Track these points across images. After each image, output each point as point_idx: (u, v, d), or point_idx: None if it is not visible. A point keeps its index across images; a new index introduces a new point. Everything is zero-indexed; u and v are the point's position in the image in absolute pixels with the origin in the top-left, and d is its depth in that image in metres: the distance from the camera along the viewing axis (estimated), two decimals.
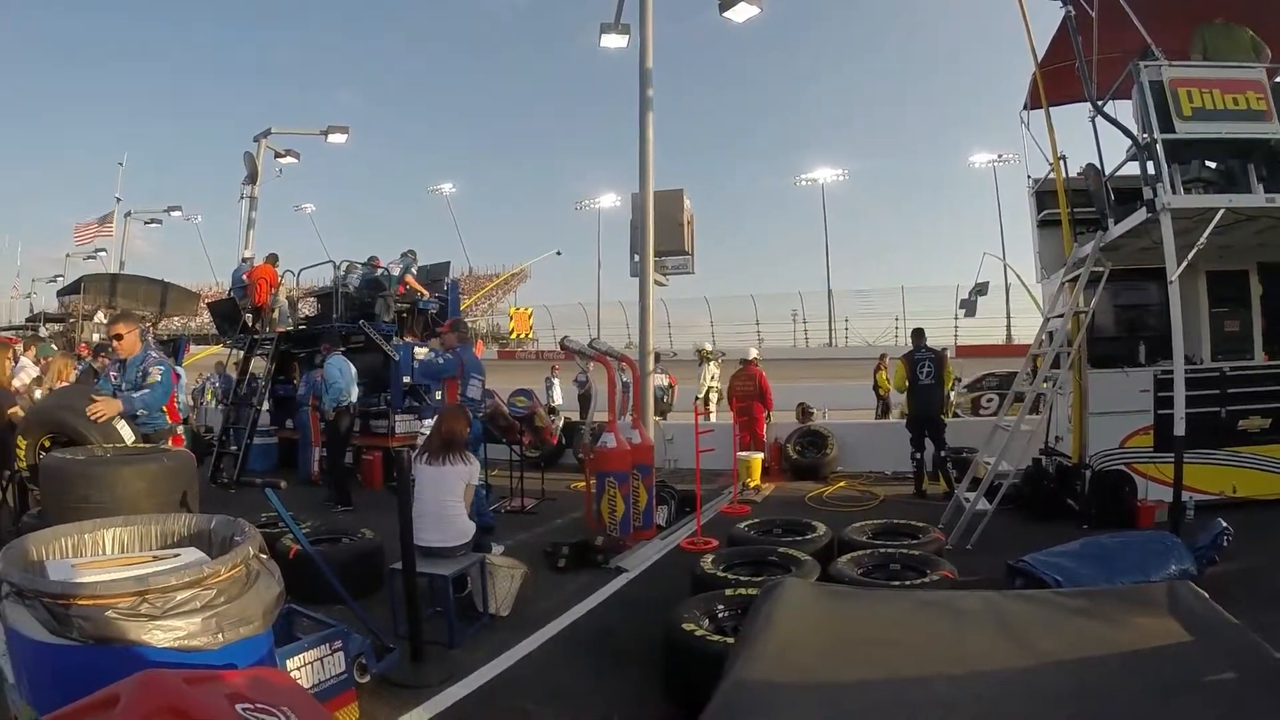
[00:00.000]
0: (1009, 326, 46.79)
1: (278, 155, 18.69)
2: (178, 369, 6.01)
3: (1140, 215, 6.73)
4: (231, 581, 2.32)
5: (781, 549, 5.61)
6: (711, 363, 17.99)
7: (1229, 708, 2.14)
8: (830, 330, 55.43)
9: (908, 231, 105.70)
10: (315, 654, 3.49)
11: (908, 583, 4.90)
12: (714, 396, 17.33)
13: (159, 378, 5.53)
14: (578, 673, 4.50)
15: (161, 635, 2.15)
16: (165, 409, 5.73)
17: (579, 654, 4.80)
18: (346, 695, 3.67)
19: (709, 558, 5.43)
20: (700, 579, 5.06)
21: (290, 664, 3.29)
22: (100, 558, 2.68)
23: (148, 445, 4.88)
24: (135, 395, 5.35)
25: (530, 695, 4.19)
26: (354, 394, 9.93)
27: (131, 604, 2.13)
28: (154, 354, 5.83)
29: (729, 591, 4.55)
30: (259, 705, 1.66)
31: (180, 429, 5.95)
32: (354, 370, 10.14)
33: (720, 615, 4.32)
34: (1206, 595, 2.78)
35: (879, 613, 2.75)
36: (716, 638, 3.91)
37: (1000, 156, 49.57)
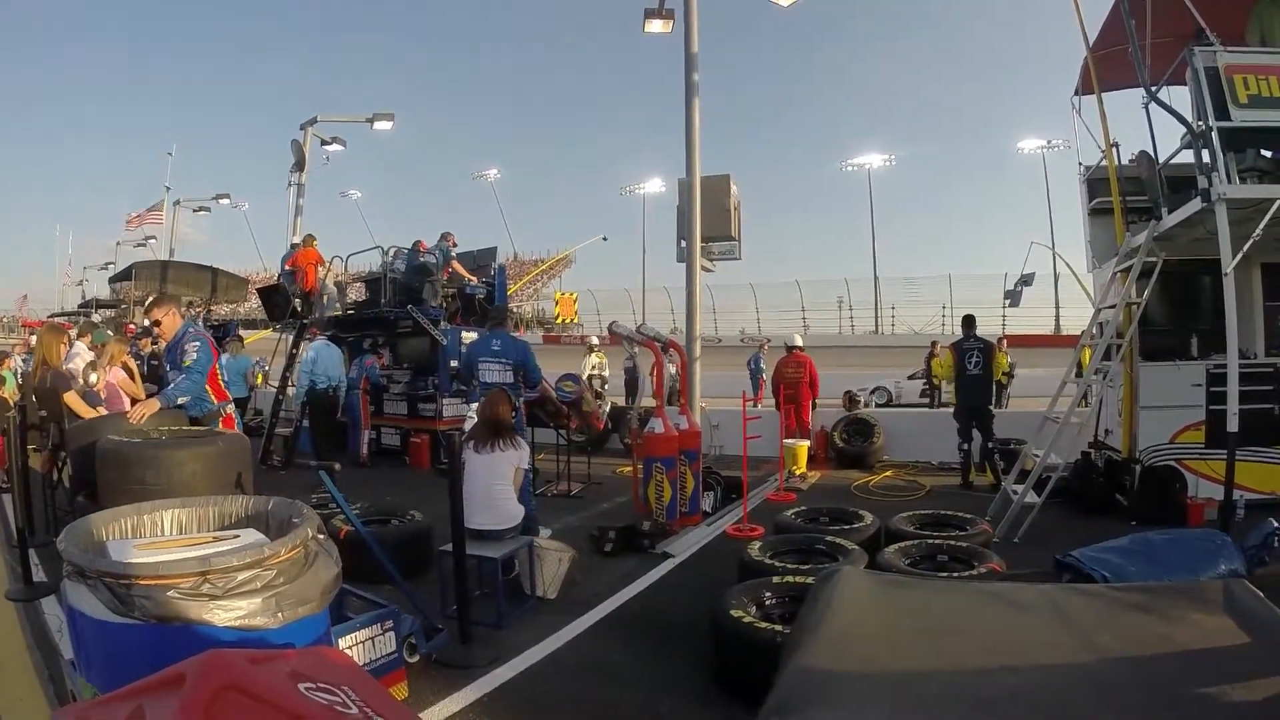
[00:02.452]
0: (1057, 316, 45.92)
1: (324, 143, 18.84)
2: (216, 345, 5.90)
3: (1195, 205, 6.56)
4: (291, 562, 2.33)
5: (829, 537, 5.58)
6: (594, 354, 17.87)
7: None
8: (876, 318, 54.77)
9: (956, 218, 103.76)
10: (367, 633, 3.54)
11: (955, 574, 4.86)
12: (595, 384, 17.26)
13: (194, 355, 5.46)
14: (624, 656, 4.51)
15: (222, 615, 2.17)
16: (210, 388, 5.63)
17: (626, 637, 4.81)
18: (396, 674, 3.72)
19: (756, 545, 5.40)
20: (747, 566, 5.05)
21: (343, 643, 3.34)
22: (160, 539, 2.72)
23: (202, 428, 4.96)
24: (171, 389, 5.38)
25: (577, 677, 4.23)
26: (336, 377, 10.59)
27: (193, 584, 2.16)
28: (192, 330, 5.74)
29: (776, 579, 4.53)
30: (320, 684, 1.67)
31: (230, 408, 5.83)
32: (337, 353, 10.89)
33: (768, 602, 4.32)
34: (1262, 594, 2.71)
35: (937, 603, 2.72)
36: (764, 625, 3.91)
37: (1049, 142, 48.66)
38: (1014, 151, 52.51)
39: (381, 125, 19.05)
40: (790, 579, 4.51)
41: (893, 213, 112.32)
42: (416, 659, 3.93)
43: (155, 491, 3.55)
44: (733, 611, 4.02)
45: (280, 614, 2.25)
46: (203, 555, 2.27)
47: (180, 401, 5.36)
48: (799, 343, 12.04)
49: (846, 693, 2.16)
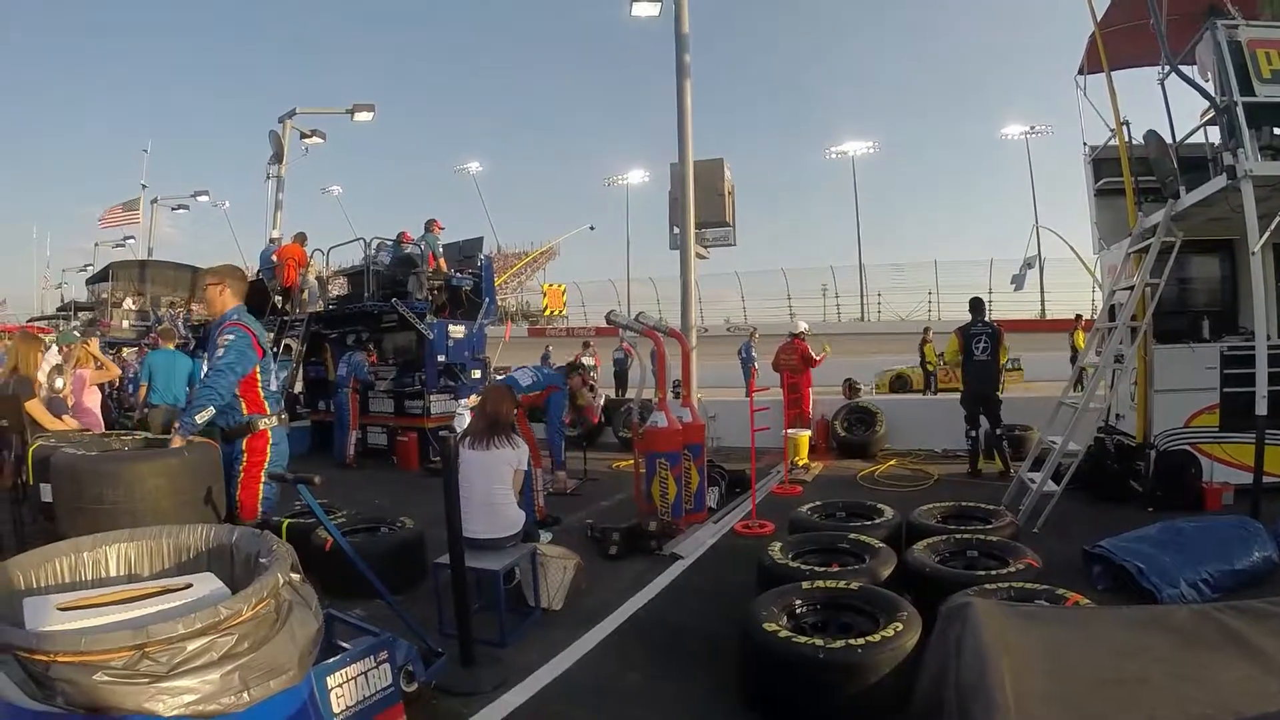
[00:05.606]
0: (1043, 301, 46.08)
1: (303, 136, 18.50)
2: (262, 342, 4.57)
3: (1219, 182, 6.42)
4: (257, 622, 1.87)
5: (851, 535, 5.20)
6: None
7: None
8: (862, 305, 54.96)
9: (939, 204, 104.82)
10: (359, 668, 3.09)
11: (992, 571, 4.49)
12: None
13: (222, 351, 4.32)
14: (641, 674, 4.14)
15: (169, 701, 1.70)
16: (242, 397, 4.42)
17: (641, 651, 4.44)
18: (394, 710, 3.29)
19: (776, 545, 4.99)
20: (770, 571, 4.65)
21: (331, 681, 2.91)
22: (93, 592, 2.18)
23: (166, 437, 4.47)
24: (186, 414, 4.22)
25: (591, 700, 3.86)
26: (177, 395, 8.95)
27: (128, 660, 1.68)
28: (234, 318, 4.51)
29: (806, 585, 4.14)
30: None
31: (265, 422, 4.48)
32: (184, 363, 9.27)
33: (800, 612, 3.97)
34: None
35: (1095, 640, 2.34)
36: (802, 639, 3.53)
37: (1033, 128, 49.54)
38: (998, 138, 53.05)
39: (362, 116, 18.78)
40: (821, 584, 4.14)
41: (877, 199, 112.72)
42: (415, 688, 3.52)
43: (113, 511, 3.13)
44: (765, 624, 3.64)
45: (246, 692, 1.78)
46: (139, 620, 1.79)
47: (200, 420, 4.19)
48: (801, 329, 11.74)
49: None
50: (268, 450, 4.44)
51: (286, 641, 1.90)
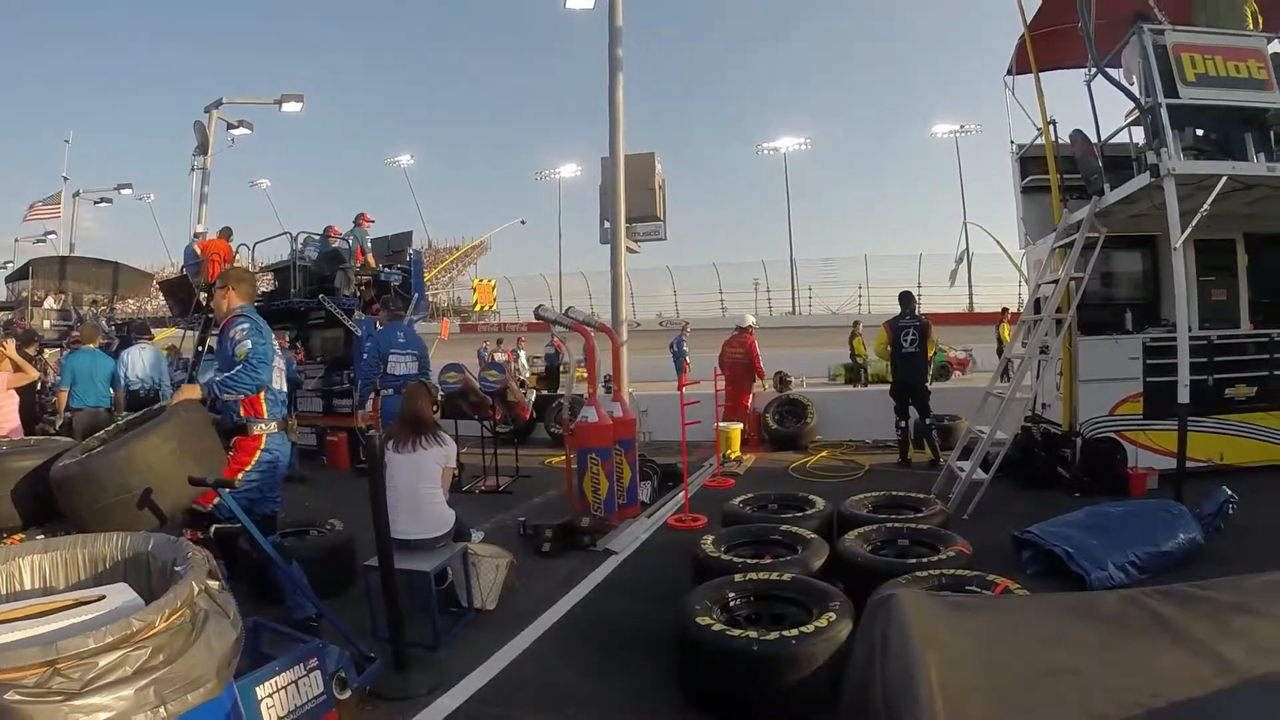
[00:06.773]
0: (971, 295, 47.14)
1: (230, 126, 17.98)
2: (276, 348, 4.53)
3: (1142, 180, 6.65)
4: (172, 633, 1.80)
5: (784, 526, 5.26)
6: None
7: None
8: (794, 299, 55.61)
9: (870, 200, 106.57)
10: (289, 676, 3.01)
11: (923, 559, 4.59)
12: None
13: (249, 344, 4.19)
14: (579, 671, 4.14)
15: (84, 719, 1.62)
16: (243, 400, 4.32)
17: (577, 649, 4.45)
18: (328, 718, 3.23)
19: (708, 539, 5.03)
20: (703, 563, 4.70)
21: (260, 691, 2.84)
22: (5, 607, 2.09)
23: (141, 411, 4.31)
24: (220, 379, 4.17)
25: (530, 701, 3.85)
26: (149, 379, 9.25)
27: (39, 678, 1.61)
28: (242, 316, 4.39)
29: (739, 577, 4.19)
30: None
31: (261, 427, 4.38)
32: (150, 354, 9.53)
33: (734, 604, 4.02)
34: None
35: (1025, 630, 2.36)
36: (736, 631, 3.60)
37: (962, 127, 50.93)
38: (928, 136, 54.38)
39: (290, 107, 18.39)
40: (753, 576, 4.20)
41: (808, 195, 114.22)
42: (349, 695, 3.44)
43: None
44: (699, 618, 3.69)
45: (164, 707, 1.71)
46: (50, 635, 1.72)
47: (226, 397, 4.20)
48: (749, 323, 11.85)
49: None
50: (256, 454, 4.37)
51: (203, 652, 1.84)
